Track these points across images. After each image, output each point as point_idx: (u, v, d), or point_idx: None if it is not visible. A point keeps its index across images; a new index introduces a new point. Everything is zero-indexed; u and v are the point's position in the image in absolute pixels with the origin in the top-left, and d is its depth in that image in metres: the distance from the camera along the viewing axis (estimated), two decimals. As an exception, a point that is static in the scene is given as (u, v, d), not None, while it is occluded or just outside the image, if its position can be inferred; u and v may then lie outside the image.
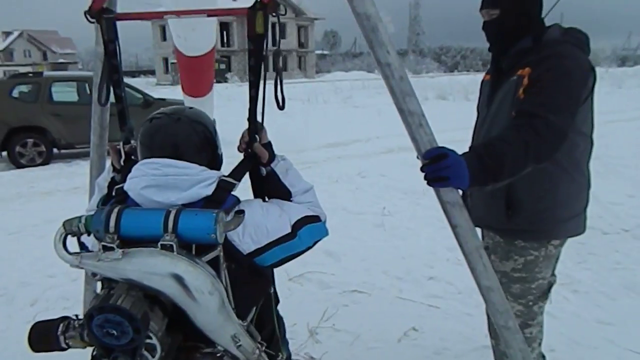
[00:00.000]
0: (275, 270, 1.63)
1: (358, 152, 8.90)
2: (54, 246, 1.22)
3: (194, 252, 1.20)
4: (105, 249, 1.17)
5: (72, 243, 1.29)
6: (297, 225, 1.34)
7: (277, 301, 1.64)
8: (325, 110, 16.88)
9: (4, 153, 8.65)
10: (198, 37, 2.41)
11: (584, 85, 1.66)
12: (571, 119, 1.59)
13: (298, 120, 13.87)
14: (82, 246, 1.39)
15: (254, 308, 1.39)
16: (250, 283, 1.34)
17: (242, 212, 1.25)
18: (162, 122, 1.31)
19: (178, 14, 1.40)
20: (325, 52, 73.45)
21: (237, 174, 1.36)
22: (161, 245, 1.15)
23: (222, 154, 1.45)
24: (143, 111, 9.23)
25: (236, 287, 1.27)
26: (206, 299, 1.17)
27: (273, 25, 1.46)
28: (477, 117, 2.05)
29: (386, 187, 6.05)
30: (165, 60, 50.16)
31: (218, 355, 1.26)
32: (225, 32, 49.32)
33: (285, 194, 1.45)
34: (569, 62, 1.64)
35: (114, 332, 1.10)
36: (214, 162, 1.39)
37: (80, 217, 1.22)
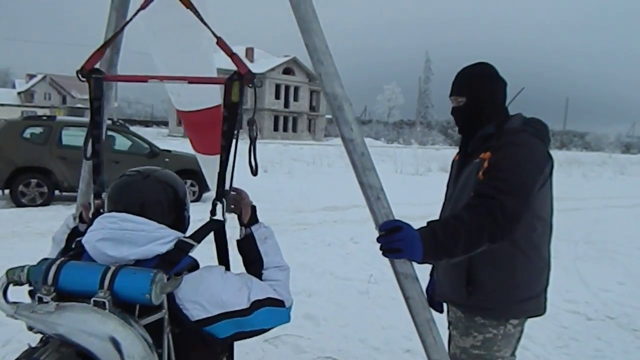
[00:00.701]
0: None
1: (355, 217, 8.96)
2: None
3: (137, 314, 1.17)
4: (40, 301, 1.15)
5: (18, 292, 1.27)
6: (257, 304, 1.30)
7: None
8: (328, 173, 17.14)
9: (7, 191, 8.80)
10: (192, 92, 2.50)
11: (539, 172, 1.76)
12: (525, 203, 1.68)
13: (300, 181, 14.10)
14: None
15: None
16: (197, 350, 1.29)
17: (180, 274, 1.22)
18: (130, 180, 1.36)
19: (161, 79, 1.52)
20: (336, 117, 75.08)
21: (198, 235, 1.34)
22: (94, 302, 1.12)
23: (189, 217, 1.47)
24: (148, 161, 9.47)
25: (181, 353, 1.24)
26: None
27: (252, 95, 1.56)
28: (446, 193, 2.15)
29: (377, 255, 5.93)
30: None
31: None
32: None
33: (257, 262, 1.46)
34: (524, 150, 1.75)
35: None
36: (179, 223, 1.40)
37: (23, 267, 1.22)
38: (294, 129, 55.33)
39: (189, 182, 10.06)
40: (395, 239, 1.48)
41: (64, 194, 9.24)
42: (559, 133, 63.50)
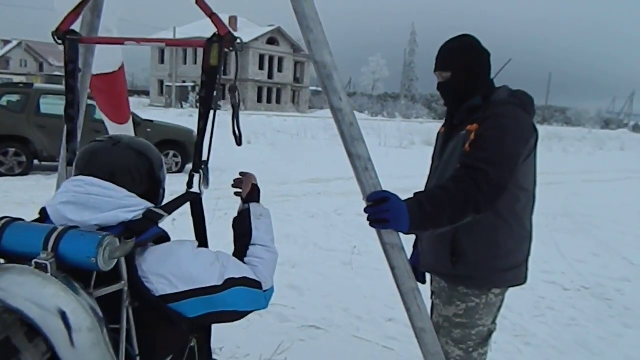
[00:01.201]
0: None
1: (338, 189, 9.01)
2: None
3: (93, 282, 1.08)
4: None
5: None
6: (231, 282, 1.20)
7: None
8: (312, 145, 17.09)
9: (-16, 160, 8.61)
10: (103, 54, 2.40)
11: (524, 144, 1.78)
12: (509, 173, 1.70)
13: (284, 153, 14.04)
14: None
15: (167, 358, 1.26)
16: (161, 328, 1.20)
17: (132, 237, 1.11)
18: (100, 145, 1.28)
19: (138, 41, 1.47)
20: (320, 89, 74.56)
21: (170, 206, 1.28)
22: (35, 263, 1.02)
23: (164, 190, 1.41)
24: (129, 131, 9.30)
25: (142, 330, 1.16)
26: (60, 333, 1.00)
27: (231, 59, 1.51)
28: (432, 165, 2.16)
29: (360, 226, 6.11)
30: (161, 82, 50.66)
31: None
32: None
33: (246, 236, 1.41)
34: (511, 121, 1.76)
35: None
36: (151, 195, 1.32)
37: None
38: (278, 101, 54.79)
39: (171, 152, 9.95)
40: (382, 210, 1.49)
41: (43, 163, 9.08)
42: (541, 108, 63.83)
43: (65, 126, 1.62)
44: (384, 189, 1.53)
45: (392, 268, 1.58)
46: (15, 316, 1.00)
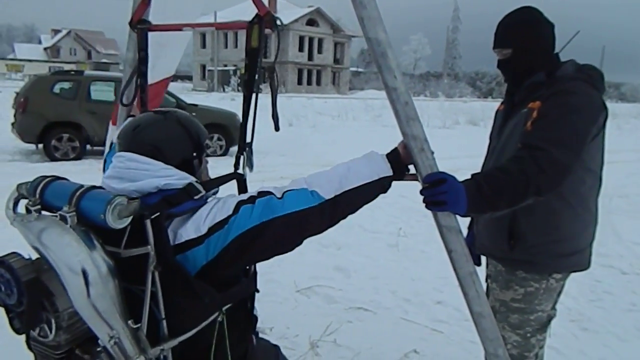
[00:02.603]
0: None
1: (381, 171, 8.91)
2: (5, 204, 1.29)
3: (123, 243, 1.17)
4: (28, 212, 1.23)
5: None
6: (258, 195, 1.26)
7: (245, 351, 1.47)
8: (354, 127, 16.98)
9: (40, 146, 9.00)
10: (166, 59, 2.38)
11: (592, 123, 1.67)
12: (575, 154, 1.61)
13: (326, 135, 14.01)
14: None
15: (193, 329, 1.27)
16: (188, 298, 1.22)
17: (137, 199, 1.17)
18: (142, 119, 1.36)
19: (193, 26, 1.53)
20: (360, 69, 74.02)
21: (210, 183, 1.32)
22: (59, 215, 1.16)
23: (205, 164, 1.44)
24: (175, 115, 9.50)
25: (169, 297, 1.20)
26: (72, 278, 1.11)
27: (270, 41, 1.52)
28: (489, 145, 2.08)
29: (405, 208, 6.04)
30: (203, 67, 51.42)
31: (95, 352, 1.20)
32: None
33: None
34: (579, 98, 1.65)
35: (3, 288, 1.16)
36: (190, 168, 1.35)
37: (28, 182, 1.28)
38: (318, 82, 54.59)
39: (215, 136, 10.10)
40: (439, 192, 1.43)
41: (95, 148, 9.42)
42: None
43: (140, 110, 1.73)
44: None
45: (450, 251, 1.53)
46: (44, 263, 1.14)
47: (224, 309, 1.32)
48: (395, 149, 1.46)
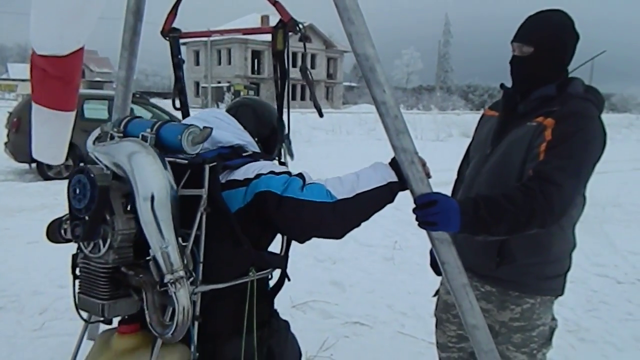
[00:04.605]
0: (279, 295, 1.65)
1: (376, 184, 8.92)
2: (89, 140, 1.48)
3: (183, 182, 1.41)
4: (112, 138, 1.45)
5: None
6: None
7: (266, 322, 1.58)
8: (348, 141, 17.06)
9: (33, 165, 8.96)
10: (60, 33, 2.17)
11: (602, 151, 1.63)
12: (584, 185, 1.60)
13: (320, 149, 14.04)
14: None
15: (226, 282, 1.43)
16: (226, 246, 1.42)
17: (210, 128, 1.39)
18: (242, 101, 1.74)
19: (221, 32, 1.74)
20: (353, 84, 74.37)
21: (259, 155, 1.56)
22: (141, 136, 1.38)
23: (275, 144, 1.73)
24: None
25: (210, 241, 1.39)
26: (158, 203, 1.27)
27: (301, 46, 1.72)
28: (471, 152, 2.02)
29: (400, 221, 6.02)
30: (197, 84, 51.53)
31: (144, 261, 1.35)
32: (256, 60, 50.62)
33: None
34: (593, 124, 1.60)
35: (78, 191, 1.32)
36: (266, 145, 1.69)
37: (111, 122, 1.52)
38: (313, 86, 54.70)
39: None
40: (430, 213, 1.43)
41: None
42: (584, 95, 60.95)
43: (181, 112, 1.94)
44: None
45: (442, 263, 1.53)
46: (117, 184, 1.34)
47: (255, 272, 1.47)
48: (394, 158, 1.52)
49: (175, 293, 1.25)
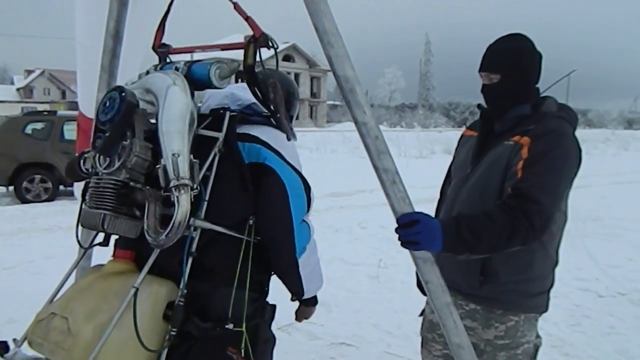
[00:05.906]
0: None
1: (361, 202, 8.96)
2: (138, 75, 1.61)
3: (203, 124, 1.53)
4: (147, 73, 1.60)
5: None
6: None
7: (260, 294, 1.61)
8: (332, 159, 17.10)
9: (11, 188, 8.81)
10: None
11: (577, 167, 1.66)
12: (562, 202, 1.62)
13: (305, 168, 14.00)
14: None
15: (227, 217, 1.47)
16: (233, 183, 1.48)
17: (238, 62, 1.55)
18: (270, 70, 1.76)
19: (202, 48, 1.73)
20: (337, 102, 75.04)
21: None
22: (175, 67, 1.55)
23: (288, 114, 1.78)
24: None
25: (217, 182, 1.45)
26: (169, 98, 1.40)
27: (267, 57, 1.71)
28: (452, 172, 2.05)
29: (385, 239, 6.05)
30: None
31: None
32: (239, 80, 50.85)
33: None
34: (567, 142, 1.64)
35: (107, 104, 1.40)
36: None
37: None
38: (296, 116, 54.86)
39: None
40: (412, 232, 1.43)
41: (68, 188, 9.25)
42: (562, 111, 62.30)
43: None
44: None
45: (425, 282, 1.53)
46: (145, 109, 1.44)
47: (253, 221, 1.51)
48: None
49: (177, 197, 1.29)
